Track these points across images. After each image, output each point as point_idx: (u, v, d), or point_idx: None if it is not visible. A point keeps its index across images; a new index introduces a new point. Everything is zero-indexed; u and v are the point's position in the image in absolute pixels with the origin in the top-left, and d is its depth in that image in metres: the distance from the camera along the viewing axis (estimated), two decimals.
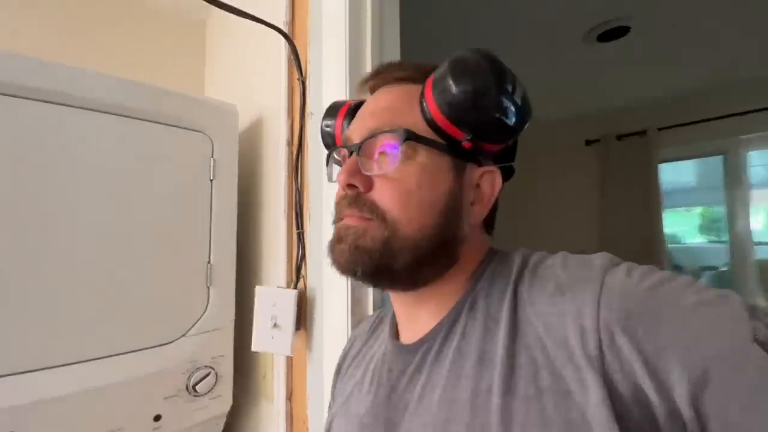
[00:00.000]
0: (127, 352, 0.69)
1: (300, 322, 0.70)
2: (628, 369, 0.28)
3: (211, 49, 1.27)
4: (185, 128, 0.77)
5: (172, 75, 1.21)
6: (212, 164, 0.80)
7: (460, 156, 0.39)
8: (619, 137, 2.41)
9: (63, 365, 0.63)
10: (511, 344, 0.33)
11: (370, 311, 0.60)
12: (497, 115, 0.36)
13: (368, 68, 0.63)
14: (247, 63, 1.00)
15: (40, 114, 0.61)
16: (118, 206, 0.68)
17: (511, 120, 0.37)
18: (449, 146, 0.38)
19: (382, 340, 0.47)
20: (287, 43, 0.76)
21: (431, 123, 0.38)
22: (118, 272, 0.68)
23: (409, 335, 0.43)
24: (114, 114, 0.68)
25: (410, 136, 0.37)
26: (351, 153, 0.40)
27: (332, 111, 0.48)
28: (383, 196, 0.37)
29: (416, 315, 0.42)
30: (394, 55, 0.68)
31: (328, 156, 0.46)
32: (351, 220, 0.38)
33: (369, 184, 0.38)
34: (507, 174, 0.44)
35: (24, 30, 1.03)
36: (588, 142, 2.55)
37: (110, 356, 0.67)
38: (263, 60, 0.91)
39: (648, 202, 2.26)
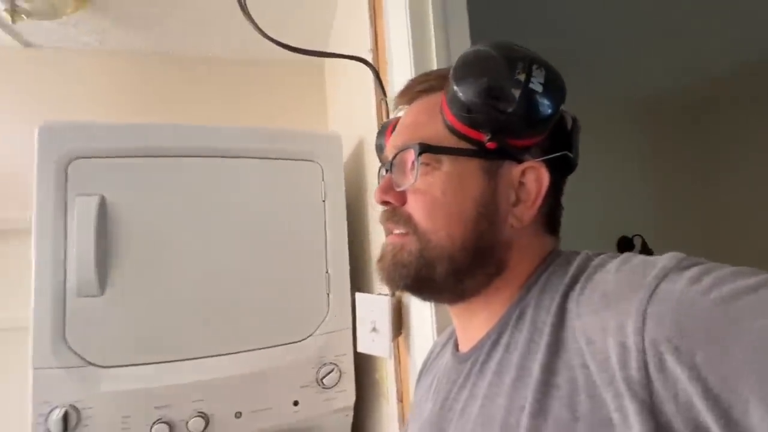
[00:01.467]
0: (271, 347, 0.86)
1: (400, 327, 0.74)
2: (685, 401, 0.22)
3: (330, 87, 1.46)
4: (300, 159, 0.92)
5: (301, 114, 1.45)
6: (323, 187, 0.93)
7: (491, 156, 0.36)
8: None
9: (230, 353, 0.83)
10: (550, 361, 0.29)
11: None
12: (510, 108, 0.33)
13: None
14: (349, 93, 1.13)
15: (199, 166, 0.84)
16: (258, 229, 0.87)
17: (533, 109, 0.33)
18: (475, 149, 0.36)
19: (449, 349, 0.47)
20: (370, 69, 0.83)
21: (451, 129, 0.37)
22: (261, 283, 0.86)
23: (464, 345, 0.42)
24: (247, 157, 0.87)
25: (425, 149, 0.37)
26: (387, 170, 0.42)
27: (382, 130, 0.51)
28: (414, 208, 0.38)
29: (469, 325, 0.41)
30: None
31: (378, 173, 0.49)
32: (391, 238, 0.40)
33: (402, 198, 0.39)
34: (567, 166, 0.38)
35: (179, 100, 1.39)
36: None
37: (260, 349, 0.85)
38: (357, 88, 1.01)
39: None
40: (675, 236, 2.06)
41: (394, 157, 0.40)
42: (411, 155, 0.38)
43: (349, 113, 1.14)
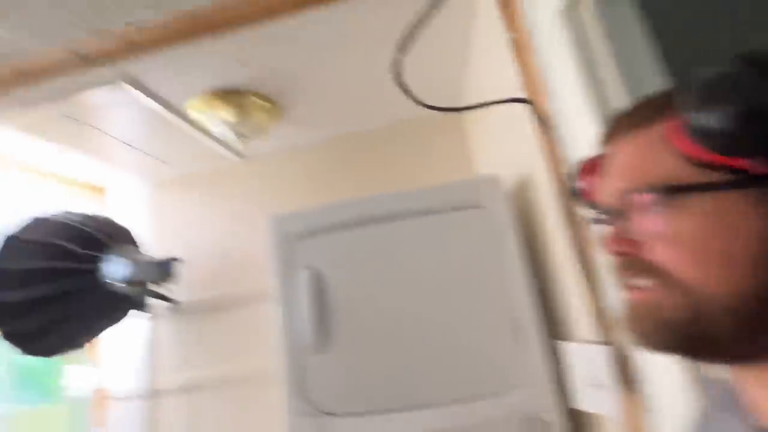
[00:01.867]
0: (472, 400, 0.84)
1: (625, 381, 0.64)
2: None
3: (473, 135, 1.49)
4: (466, 207, 0.94)
5: (445, 168, 1.52)
6: (492, 231, 0.92)
7: (758, 185, 0.30)
8: None
9: (439, 405, 0.85)
10: None
11: (720, 372, 0.48)
12: None
13: (614, 101, 0.59)
14: (500, 135, 1.12)
15: (380, 232, 0.95)
16: (446, 283, 0.91)
17: None
18: (735, 180, 0.31)
19: (733, 420, 0.37)
20: (528, 105, 0.82)
21: (696, 162, 0.32)
22: (451, 336, 0.88)
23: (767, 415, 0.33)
24: (422, 215, 0.94)
25: (669, 191, 0.33)
26: (609, 215, 0.38)
27: (578, 168, 0.48)
28: (665, 257, 0.33)
29: None
30: (647, 74, 0.59)
31: (592, 218, 0.46)
32: (638, 294, 0.36)
33: (638, 246, 0.35)
34: None
35: (351, 175, 1.62)
36: None
37: (462, 401, 0.84)
38: (510, 128, 1.00)
39: None
40: None
41: (619, 202, 0.37)
42: (645, 200, 0.34)
43: (503, 154, 1.13)
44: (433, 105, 0.83)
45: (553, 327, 0.90)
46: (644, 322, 0.35)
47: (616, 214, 0.37)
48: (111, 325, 1.40)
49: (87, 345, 1.42)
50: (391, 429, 0.84)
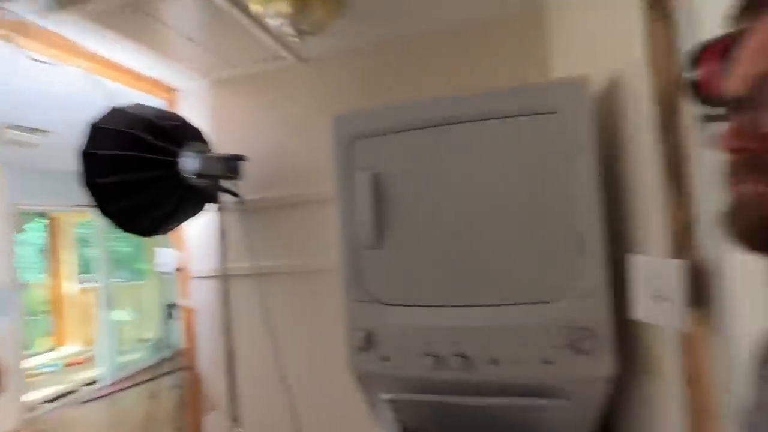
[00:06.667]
0: (524, 303, 0.86)
1: (696, 296, 0.61)
2: None
3: (557, 37, 1.30)
4: (541, 113, 0.86)
5: (520, 71, 1.36)
6: (567, 140, 0.84)
7: None
8: None
9: (486, 305, 0.88)
10: None
11: None
12: None
13: None
14: (590, 32, 0.96)
15: (455, 132, 0.90)
16: (504, 189, 0.88)
17: None
18: None
19: None
20: None
21: None
22: (509, 242, 0.87)
23: None
24: (492, 119, 0.88)
25: None
26: (734, 107, 0.32)
27: (701, 54, 0.40)
28: None
29: None
30: None
31: (704, 114, 0.39)
32: (748, 190, 0.31)
33: (767, 140, 0.30)
34: None
35: (413, 78, 1.52)
36: None
37: (513, 304, 0.86)
38: (608, 20, 0.85)
39: None
40: None
41: (753, 90, 0.30)
42: None
43: (591, 53, 0.98)
44: None
45: (622, 241, 0.86)
46: (750, 218, 0.31)
47: (745, 104, 0.31)
48: (191, 216, 1.57)
49: (171, 231, 1.62)
50: (434, 320, 0.89)
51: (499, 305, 0.87)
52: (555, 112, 0.85)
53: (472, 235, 0.88)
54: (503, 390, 0.88)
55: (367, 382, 0.96)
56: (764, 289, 0.48)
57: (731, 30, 0.36)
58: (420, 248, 0.90)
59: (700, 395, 0.64)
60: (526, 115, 0.86)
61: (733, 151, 0.32)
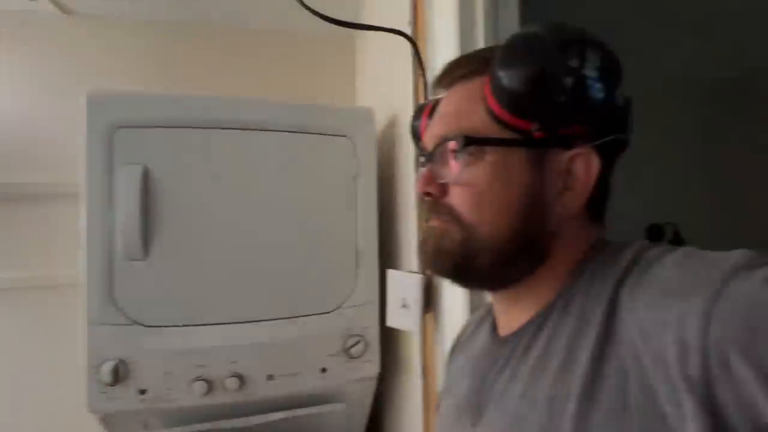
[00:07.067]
0: (302, 316, 0.88)
1: (429, 304, 0.75)
2: (748, 401, 0.22)
3: (359, 62, 1.44)
4: (332, 135, 0.92)
5: (328, 89, 1.43)
6: (356, 163, 0.93)
7: (538, 146, 0.35)
8: None
9: (263, 320, 0.86)
10: (599, 350, 0.30)
11: (489, 298, 0.60)
12: (563, 97, 0.31)
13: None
14: (383, 68, 1.10)
15: (235, 138, 0.85)
16: (290, 202, 0.88)
17: (587, 97, 0.32)
18: (521, 139, 0.35)
19: (485, 330, 0.47)
20: (409, 43, 0.81)
21: (495, 118, 0.35)
22: (293, 255, 0.88)
23: (504, 328, 0.42)
24: (276, 131, 0.87)
25: (470, 141, 0.36)
26: (427, 158, 0.40)
27: (418, 113, 0.50)
28: (458, 201, 0.37)
29: (510, 310, 0.41)
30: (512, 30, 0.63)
31: (418, 159, 0.48)
32: (434, 222, 0.40)
33: (444, 190, 0.39)
34: (619, 145, 0.37)
35: (212, 71, 1.37)
36: None
37: (291, 317, 0.87)
38: (392, 62, 0.99)
39: None
40: (719, 229, 1.93)
41: (435, 147, 0.39)
42: (453, 146, 0.37)
43: (382, 88, 1.12)
44: (317, 11, 0.75)
45: (388, 258, 1.00)
46: (430, 248, 0.39)
47: (431, 157, 0.40)
48: None
49: None
50: (209, 340, 0.81)
51: (279, 319, 0.86)
52: (345, 136, 0.92)
53: (253, 247, 0.85)
54: (280, 405, 0.88)
55: (115, 423, 0.79)
56: (463, 295, 0.63)
57: (435, 96, 0.46)
58: (192, 260, 0.81)
59: (431, 385, 0.79)
60: (317, 134, 0.90)
61: (422, 194, 0.40)
